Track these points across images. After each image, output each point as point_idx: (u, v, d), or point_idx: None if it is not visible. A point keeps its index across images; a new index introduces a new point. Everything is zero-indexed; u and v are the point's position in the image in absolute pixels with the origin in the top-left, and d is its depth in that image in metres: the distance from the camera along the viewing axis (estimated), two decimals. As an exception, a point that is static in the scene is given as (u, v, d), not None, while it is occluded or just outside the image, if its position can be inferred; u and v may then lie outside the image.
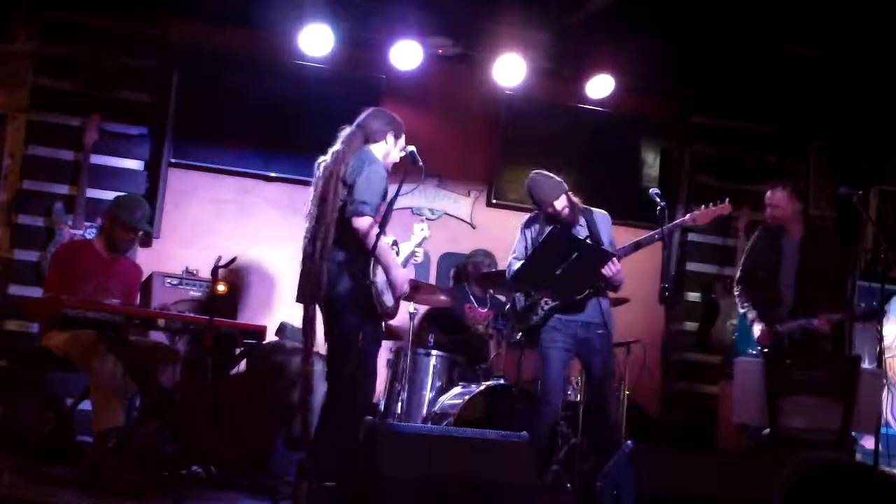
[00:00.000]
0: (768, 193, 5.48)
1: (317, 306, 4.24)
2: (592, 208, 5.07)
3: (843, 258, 5.80)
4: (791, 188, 5.44)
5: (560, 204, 4.89)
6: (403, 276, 4.38)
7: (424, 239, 4.79)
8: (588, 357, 4.95)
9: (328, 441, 4.16)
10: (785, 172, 7.18)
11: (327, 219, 4.20)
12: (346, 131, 4.43)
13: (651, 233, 4.95)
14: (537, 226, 5.01)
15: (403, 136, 4.53)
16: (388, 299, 4.37)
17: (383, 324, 4.52)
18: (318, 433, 4.29)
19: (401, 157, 4.45)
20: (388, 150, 4.47)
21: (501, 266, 6.07)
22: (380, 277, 4.31)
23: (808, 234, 5.40)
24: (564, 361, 4.96)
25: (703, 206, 5.09)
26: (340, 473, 3.93)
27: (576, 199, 4.99)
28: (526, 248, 5.01)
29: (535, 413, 4.94)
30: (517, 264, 4.95)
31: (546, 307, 4.92)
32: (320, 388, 4.72)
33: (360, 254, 4.20)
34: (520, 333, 5.08)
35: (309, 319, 4.23)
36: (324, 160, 4.38)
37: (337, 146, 4.38)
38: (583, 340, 4.91)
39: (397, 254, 4.46)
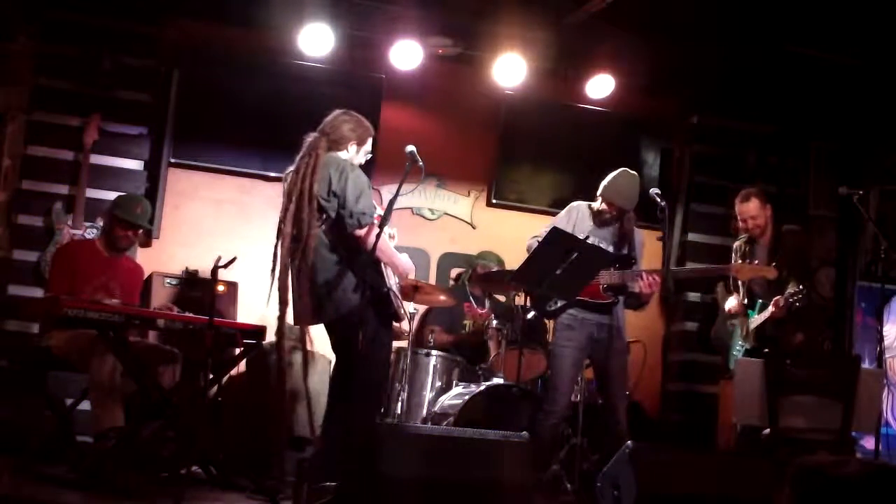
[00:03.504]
0: (740, 206, 5.54)
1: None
2: (636, 228, 5.10)
3: (810, 257, 5.91)
4: (759, 194, 5.55)
5: (605, 207, 4.93)
6: (409, 264, 4.43)
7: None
8: (604, 358, 4.92)
9: (338, 446, 4.15)
10: (785, 172, 7.19)
11: (304, 236, 4.14)
12: (310, 138, 4.37)
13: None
14: (585, 214, 5.03)
15: (370, 140, 4.48)
16: (399, 302, 4.39)
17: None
18: (331, 439, 4.28)
19: (400, 157, 4.44)
20: (351, 157, 4.39)
21: (507, 267, 6.07)
22: (394, 283, 4.31)
23: (774, 237, 5.49)
24: (576, 361, 4.95)
25: (746, 262, 5.18)
26: (342, 474, 3.93)
27: (633, 223, 5.02)
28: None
29: (541, 413, 4.93)
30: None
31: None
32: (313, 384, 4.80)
33: (371, 263, 4.19)
34: (532, 314, 5.05)
35: (283, 332, 4.25)
36: (291, 170, 4.33)
37: (301, 158, 4.31)
38: (597, 341, 4.91)
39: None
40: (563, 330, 4.91)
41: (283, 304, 4.24)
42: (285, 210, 4.24)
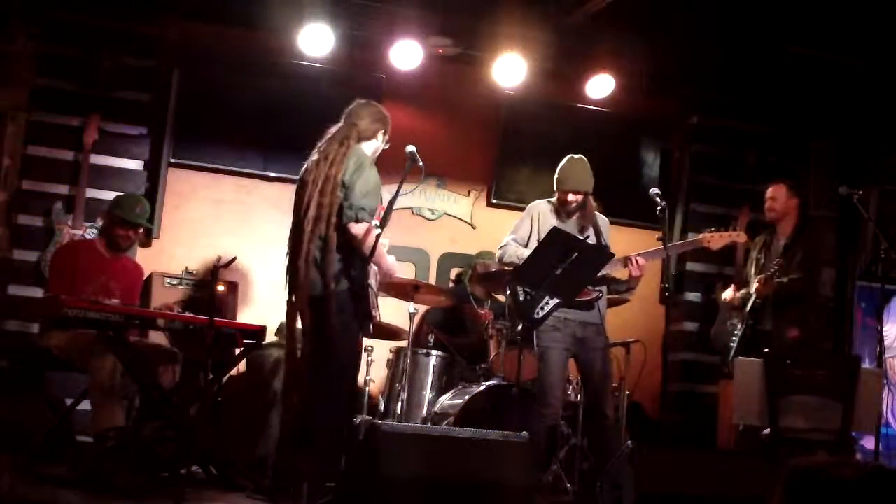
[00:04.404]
0: (769, 189, 5.77)
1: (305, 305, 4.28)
2: (598, 213, 5.10)
3: (821, 253, 6.01)
4: (790, 183, 5.66)
5: (573, 197, 4.91)
6: (394, 265, 4.45)
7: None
8: (587, 356, 4.94)
9: (321, 439, 4.17)
10: (785, 172, 7.19)
11: (324, 221, 4.17)
12: (336, 128, 4.41)
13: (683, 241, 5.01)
14: (546, 212, 5.02)
15: (389, 129, 4.54)
16: (375, 302, 4.41)
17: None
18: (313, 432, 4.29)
19: (400, 157, 4.45)
20: (377, 147, 4.49)
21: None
22: (374, 283, 4.32)
23: (796, 232, 5.56)
24: (564, 361, 4.96)
25: (714, 230, 5.17)
26: (338, 473, 3.94)
27: (594, 204, 5.02)
28: (529, 232, 5.00)
29: (535, 415, 4.93)
30: (513, 249, 4.95)
31: (551, 303, 4.90)
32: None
33: (357, 257, 4.21)
34: (520, 326, 5.05)
35: (294, 319, 4.25)
36: (314, 158, 4.35)
37: (330, 145, 4.33)
38: (581, 340, 4.92)
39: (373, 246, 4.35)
40: (548, 331, 4.89)
41: (294, 288, 4.25)
42: (308, 195, 4.24)
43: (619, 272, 4.98)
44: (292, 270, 4.26)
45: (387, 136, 4.52)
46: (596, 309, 4.94)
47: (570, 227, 4.96)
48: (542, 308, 4.87)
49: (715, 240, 5.12)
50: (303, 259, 4.18)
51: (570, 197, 4.98)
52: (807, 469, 1.71)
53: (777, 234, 5.69)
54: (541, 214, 5.05)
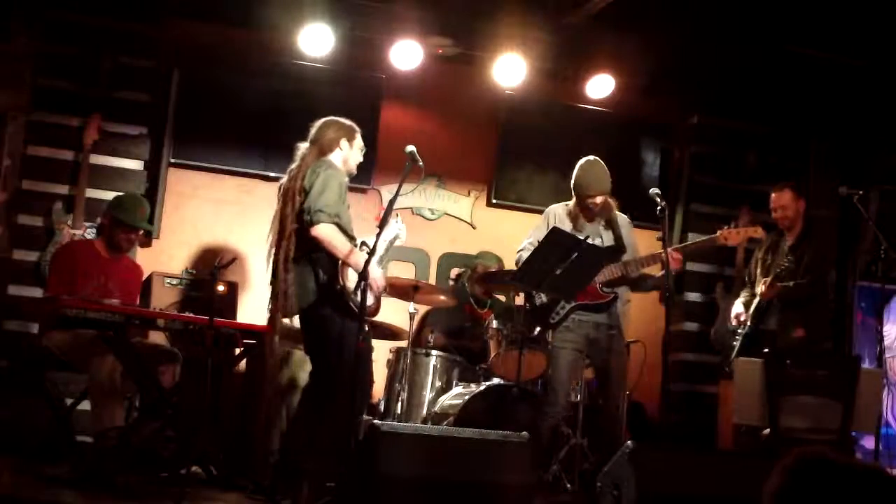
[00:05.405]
0: (773, 196, 5.63)
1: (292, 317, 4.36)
2: (618, 213, 5.09)
3: (829, 255, 5.97)
4: (793, 187, 5.60)
5: (598, 200, 4.91)
6: (376, 273, 4.39)
7: (397, 237, 4.64)
8: (603, 358, 4.93)
9: (326, 442, 4.17)
10: (785, 172, 7.19)
11: (287, 232, 4.25)
12: (301, 148, 4.48)
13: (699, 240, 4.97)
14: (562, 215, 5.01)
15: (359, 136, 4.57)
16: (368, 298, 4.38)
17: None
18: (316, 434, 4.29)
19: (400, 157, 4.44)
20: (346, 155, 4.51)
21: (506, 268, 6.07)
22: (350, 280, 4.31)
23: (803, 233, 5.54)
24: (574, 363, 4.96)
25: (733, 225, 5.12)
26: (338, 473, 3.94)
27: (612, 202, 5.01)
28: None
29: (539, 413, 4.94)
30: (527, 254, 4.96)
31: (567, 306, 4.90)
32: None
33: (326, 260, 4.25)
34: (538, 330, 5.04)
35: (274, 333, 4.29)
36: (284, 180, 4.46)
37: (294, 164, 4.43)
38: (594, 341, 4.91)
39: (370, 252, 4.24)
40: (561, 331, 4.91)
41: (274, 298, 4.30)
42: (276, 211, 4.39)
43: (653, 268, 4.97)
44: (273, 282, 4.32)
45: (353, 143, 4.54)
46: (612, 310, 4.94)
47: (588, 231, 4.96)
48: (558, 312, 4.90)
49: (732, 236, 5.06)
50: (280, 269, 4.23)
51: (591, 201, 4.97)
52: (815, 456, 1.71)
53: (784, 236, 5.66)
54: (557, 218, 5.05)
